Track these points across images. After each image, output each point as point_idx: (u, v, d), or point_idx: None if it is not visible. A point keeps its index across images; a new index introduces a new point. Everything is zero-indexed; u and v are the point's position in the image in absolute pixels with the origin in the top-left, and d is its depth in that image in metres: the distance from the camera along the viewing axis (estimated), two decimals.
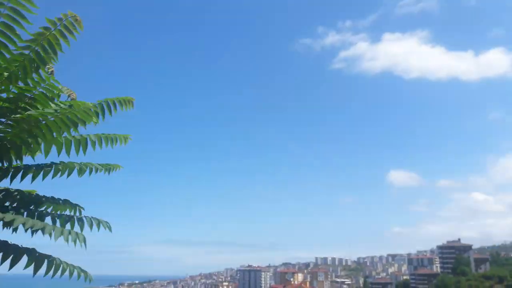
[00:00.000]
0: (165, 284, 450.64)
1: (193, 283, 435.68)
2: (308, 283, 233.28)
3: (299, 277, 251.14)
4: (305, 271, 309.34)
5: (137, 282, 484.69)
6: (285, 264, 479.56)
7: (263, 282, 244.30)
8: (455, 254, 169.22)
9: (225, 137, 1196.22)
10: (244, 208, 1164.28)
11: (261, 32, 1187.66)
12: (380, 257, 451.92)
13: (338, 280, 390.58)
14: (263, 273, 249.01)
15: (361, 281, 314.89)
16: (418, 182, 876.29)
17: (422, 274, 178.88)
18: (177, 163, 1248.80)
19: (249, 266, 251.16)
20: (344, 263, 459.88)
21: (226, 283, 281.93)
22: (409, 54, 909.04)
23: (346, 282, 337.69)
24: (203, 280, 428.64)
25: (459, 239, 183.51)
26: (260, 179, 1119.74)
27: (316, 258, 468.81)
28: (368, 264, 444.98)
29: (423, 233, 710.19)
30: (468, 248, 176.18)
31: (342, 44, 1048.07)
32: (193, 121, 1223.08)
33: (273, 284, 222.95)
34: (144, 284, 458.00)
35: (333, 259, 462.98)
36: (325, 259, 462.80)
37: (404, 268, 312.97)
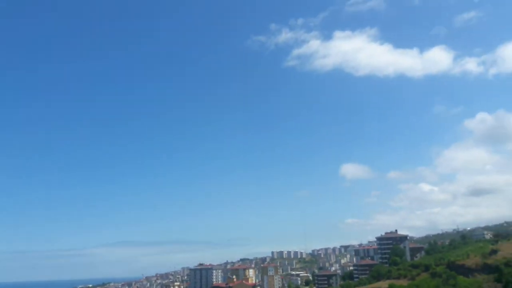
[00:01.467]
0: (120, 286, 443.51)
1: (148, 284, 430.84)
2: (250, 279, 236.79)
3: (250, 272, 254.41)
4: (256, 266, 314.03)
5: (90, 285, 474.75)
6: (242, 260, 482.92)
7: (214, 280, 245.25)
8: (392, 245, 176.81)
9: (175, 135, 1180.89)
10: (201, 207, 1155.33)
11: (215, 28, 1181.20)
12: (334, 249, 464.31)
13: (293, 273, 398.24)
14: (214, 271, 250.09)
15: (315, 271, 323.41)
16: (369, 175, 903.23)
17: (364, 265, 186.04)
18: (126, 164, 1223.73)
19: (200, 264, 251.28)
20: (299, 256, 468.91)
21: (178, 283, 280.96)
22: (359, 52, 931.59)
23: (300, 275, 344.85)
24: (159, 281, 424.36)
25: (396, 231, 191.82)
26: (216, 178, 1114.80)
27: (272, 253, 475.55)
28: (322, 256, 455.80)
29: (375, 224, 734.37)
30: (404, 238, 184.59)
31: (295, 41, 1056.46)
32: (137, 118, 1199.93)
33: (220, 282, 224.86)
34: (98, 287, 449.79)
35: (289, 252, 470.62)
36: (281, 253, 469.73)
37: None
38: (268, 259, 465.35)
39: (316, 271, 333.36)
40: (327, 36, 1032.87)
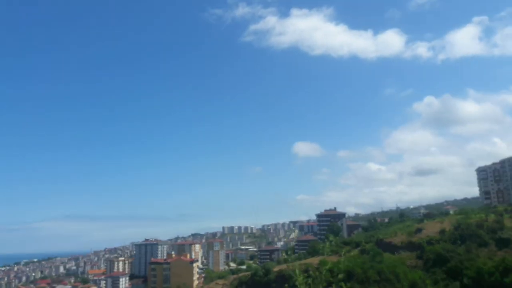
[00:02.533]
0: (66, 260, 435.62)
1: (96, 258, 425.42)
2: (196, 255, 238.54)
3: (197, 248, 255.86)
4: (207, 241, 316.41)
5: (35, 260, 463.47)
6: (193, 235, 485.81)
7: (159, 255, 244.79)
8: (330, 222, 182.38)
9: (124, 106, 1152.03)
10: (153, 182, 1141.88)
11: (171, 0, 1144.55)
12: (283, 224, 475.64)
13: (243, 247, 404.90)
14: (160, 247, 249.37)
15: (263, 246, 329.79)
16: (320, 153, 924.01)
17: (304, 240, 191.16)
18: (75, 135, 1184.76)
19: (146, 240, 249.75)
20: (249, 231, 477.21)
21: (123, 258, 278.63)
22: (315, 31, 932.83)
23: (249, 249, 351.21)
24: (107, 255, 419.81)
25: (335, 208, 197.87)
26: (168, 152, 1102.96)
27: (223, 228, 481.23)
28: (271, 231, 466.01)
29: (325, 200, 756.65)
30: (342, 216, 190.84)
31: (252, 17, 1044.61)
32: (88, 87, 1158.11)
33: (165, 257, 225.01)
34: (43, 262, 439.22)
35: (239, 227, 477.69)
36: (231, 228, 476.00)
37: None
38: (218, 234, 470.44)
39: (264, 245, 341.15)
40: (284, 13, 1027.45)
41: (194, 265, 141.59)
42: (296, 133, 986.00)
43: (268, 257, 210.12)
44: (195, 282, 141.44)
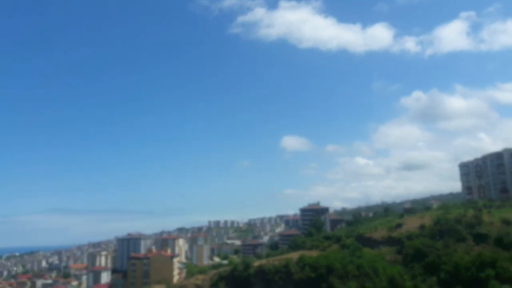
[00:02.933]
0: (49, 254, 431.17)
1: (79, 252, 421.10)
2: (180, 250, 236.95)
3: (180, 242, 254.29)
4: (188, 236, 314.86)
5: (17, 254, 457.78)
6: (179, 229, 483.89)
7: (142, 250, 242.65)
8: (313, 216, 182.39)
9: (112, 103, 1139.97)
10: (140, 176, 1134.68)
11: None
12: (269, 218, 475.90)
13: (228, 241, 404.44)
14: (143, 241, 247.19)
15: (250, 241, 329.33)
16: (308, 147, 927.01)
17: (287, 235, 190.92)
18: (63, 131, 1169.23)
19: (129, 234, 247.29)
20: (236, 225, 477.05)
21: (105, 253, 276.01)
22: (303, 24, 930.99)
23: (235, 244, 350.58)
24: (90, 250, 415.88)
25: (318, 203, 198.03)
26: (156, 147, 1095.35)
27: (209, 222, 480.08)
28: (258, 225, 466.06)
29: (313, 194, 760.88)
30: (325, 210, 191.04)
31: (240, 8, 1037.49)
32: (77, 84, 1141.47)
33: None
34: (25, 256, 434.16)
35: (225, 222, 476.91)
36: (217, 222, 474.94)
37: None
38: (204, 229, 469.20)
39: (250, 240, 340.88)
40: (272, 5, 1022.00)
41: (175, 260, 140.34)
42: (285, 127, 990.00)
43: (252, 251, 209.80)
44: (176, 277, 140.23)
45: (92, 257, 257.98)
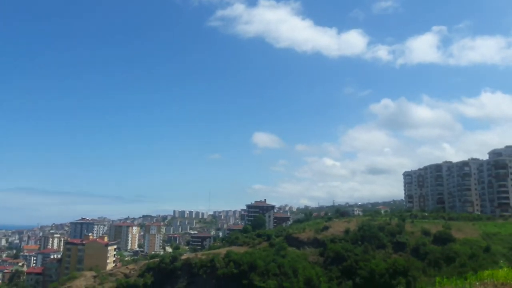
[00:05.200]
0: (10, 233, 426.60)
1: (41, 233, 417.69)
2: (133, 237, 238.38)
3: (134, 230, 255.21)
4: (139, 224, 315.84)
5: None
6: (144, 217, 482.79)
7: (96, 235, 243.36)
8: (259, 213, 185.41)
9: (84, 83, 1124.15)
10: (111, 160, 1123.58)
11: None
12: (235, 211, 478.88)
13: (191, 232, 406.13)
14: (96, 226, 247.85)
15: (212, 232, 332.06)
16: (279, 145, 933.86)
17: (233, 229, 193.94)
18: (32, 106, 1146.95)
19: (82, 219, 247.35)
20: (200, 216, 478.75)
21: (58, 235, 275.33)
22: (281, 23, 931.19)
23: (208, 234, 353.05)
24: (52, 231, 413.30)
25: (265, 200, 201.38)
26: (128, 132, 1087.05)
27: (174, 211, 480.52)
28: (222, 217, 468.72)
29: (281, 191, 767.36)
30: (270, 208, 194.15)
31: (220, 2, 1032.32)
32: (46, 64, 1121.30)
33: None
34: None
35: (191, 212, 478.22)
36: (183, 212, 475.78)
37: None
38: (169, 218, 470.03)
39: (213, 231, 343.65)
40: (252, 1, 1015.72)
41: (110, 248, 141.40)
42: (257, 123, 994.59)
43: (200, 244, 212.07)
44: (111, 265, 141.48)
45: (45, 239, 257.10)
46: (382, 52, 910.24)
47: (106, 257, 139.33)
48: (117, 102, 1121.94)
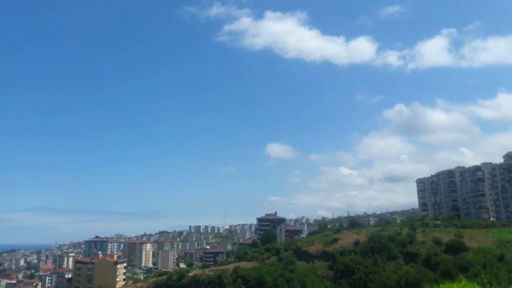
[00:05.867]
0: (28, 253, 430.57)
1: (59, 252, 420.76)
2: (147, 254, 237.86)
3: (148, 247, 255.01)
4: (155, 241, 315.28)
5: None
6: (161, 232, 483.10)
7: (109, 252, 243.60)
8: (269, 226, 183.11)
9: (98, 104, 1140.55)
10: (126, 178, 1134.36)
11: None
12: (250, 225, 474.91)
13: (208, 247, 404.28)
14: (109, 244, 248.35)
15: (229, 247, 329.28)
16: (292, 155, 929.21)
17: (244, 244, 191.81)
18: (49, 130, 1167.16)
19: (96, 237, 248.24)
20: (216, 231, 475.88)
21: (73, 254, 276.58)
22: (288, 34, 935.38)
23: (220, 249, 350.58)
24: (70, 250, 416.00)
25: (275, 213, 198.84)
26: (142, 150, 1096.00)
27: (190, 227, 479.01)
28: (238, 231, 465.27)
29: (297, 202, 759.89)
30: (281, 221, 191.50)
31: (227, 17, 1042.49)
32: (63, 86, 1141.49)
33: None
34: (4, 254, 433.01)
35: (206, 227, 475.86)
36: (198, 227, 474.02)
37: None
38: (185, 233, 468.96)
39: (230, 246, 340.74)
40: (258, 15, 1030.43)
41: (119, 266, 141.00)
42: (269, 134, 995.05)
43: (212, 259, 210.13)
44: (120, 283, 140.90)
45: (59, 258, 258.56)
46: (392, 58, 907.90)
47: (116, 276, 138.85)
48: (129, 121, 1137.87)
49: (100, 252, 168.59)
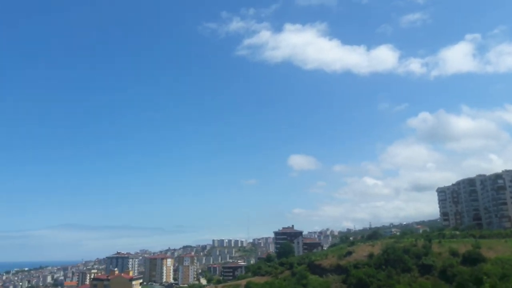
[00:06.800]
0: (55, 270, 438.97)
1: (85, 268, 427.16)
2: (168, 269, 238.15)
3: (168, 262, 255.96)
4: (175, 256, 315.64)
5: (26, 268, 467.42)
6: (184, 247, 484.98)
7: (130, 268, 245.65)
8: (286, 240, 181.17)
9: (124, 121, 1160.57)
10: (151, 193, 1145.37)
11: (165, 11, 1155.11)
12: (273, 238, 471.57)
13: (230, 261, 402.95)
14: (130, 260, 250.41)
15: (252, 261, 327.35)
16: (316, 166, 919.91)
17: (260, 258, 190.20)
18: (76, 147, 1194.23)
19: (117, 253, 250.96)
20: (240, 245, 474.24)
21: (95, 271, 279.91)
22: (308, 46, 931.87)
23: (239, 263, 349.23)
24: (96, 266, 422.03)
25: (292, 226, 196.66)
26: (167, 165, 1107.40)
27: (213, 241, 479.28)
28: (262, 245, 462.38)
29: (322, 214, 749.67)
30: (298, 234, 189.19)
31: (246, 31, 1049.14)
32: (87, 98, 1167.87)
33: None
34: (32, 271, 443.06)
35: (230, 241, 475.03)
36: (221, 241, 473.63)
37: None
38: (208, 247, 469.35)
39: (253, 260, 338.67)
40: (277, 28, 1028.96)
41: (134, 282, 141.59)
42: (291, 146, 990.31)
43: (231, 274, 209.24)
44: None
45: (82, 275, 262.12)
46: (415, 65, 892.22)
47: None
48: (153, 138, 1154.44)
49: (116, 269, 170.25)
